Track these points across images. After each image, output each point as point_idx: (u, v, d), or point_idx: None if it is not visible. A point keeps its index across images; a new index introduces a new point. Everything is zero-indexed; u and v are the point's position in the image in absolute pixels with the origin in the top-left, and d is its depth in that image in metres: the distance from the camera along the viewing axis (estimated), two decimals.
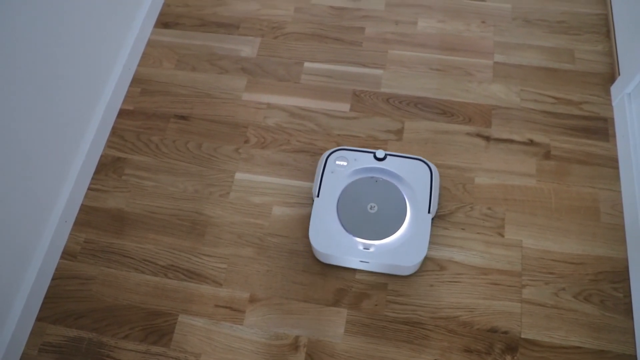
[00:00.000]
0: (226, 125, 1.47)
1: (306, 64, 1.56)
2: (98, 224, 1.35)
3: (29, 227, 1.22)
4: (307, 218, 1.33)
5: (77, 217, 1.36)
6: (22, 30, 1.12)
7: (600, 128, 1.42)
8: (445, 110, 1.46)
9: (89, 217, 1.36)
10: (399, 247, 1.19)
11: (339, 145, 1.42)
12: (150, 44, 1.63)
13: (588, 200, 1.32)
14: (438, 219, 1.31)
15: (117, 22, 1.49)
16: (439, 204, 1.33)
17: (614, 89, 1.46)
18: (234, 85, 1.53)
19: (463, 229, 1.30)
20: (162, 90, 1.54)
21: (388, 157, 1.30)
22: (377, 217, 1.24)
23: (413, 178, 1.27)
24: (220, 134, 1.45)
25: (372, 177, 1.29)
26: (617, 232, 1.28)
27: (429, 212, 1.23)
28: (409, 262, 1.18)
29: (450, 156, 1.39)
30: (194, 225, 1.33)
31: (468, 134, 1.42)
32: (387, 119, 1.46)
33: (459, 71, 1.52)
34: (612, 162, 1.37)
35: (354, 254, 1.19)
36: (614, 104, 1.45)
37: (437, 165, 1.38)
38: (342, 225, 1.23)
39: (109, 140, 1.47)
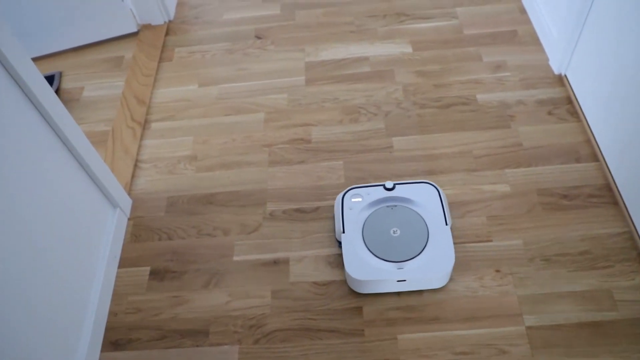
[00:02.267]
0: None
1: None
2: None
3: None
4: None
5: None
6: None
7: None
8: None
9: None
10: (429, 259, 1.35)
11: None
12: None
13: None
14: None
15: None
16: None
17: None
18: None
19: None
20: None
21: (396, 186, 1.49)
22: (402, 239, 1.40)
23: (423, 199, 1.46)
24: None
25: (387, 206, 1.46)
26: None
27: (446, 224, 1.41)
28: (442, 271, 1.33)
29: None
30: None
31: None
32: None
33: (490, 350, 1.27)
34: None
35: (391, 275, 1.33)
36: None
37: None
38: (373, 253, 1.38)
39: None
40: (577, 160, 1.59)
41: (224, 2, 2.24)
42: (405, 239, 1.39)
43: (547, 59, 1.85)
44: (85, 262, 1.39)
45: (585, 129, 1.65)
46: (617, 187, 1.50)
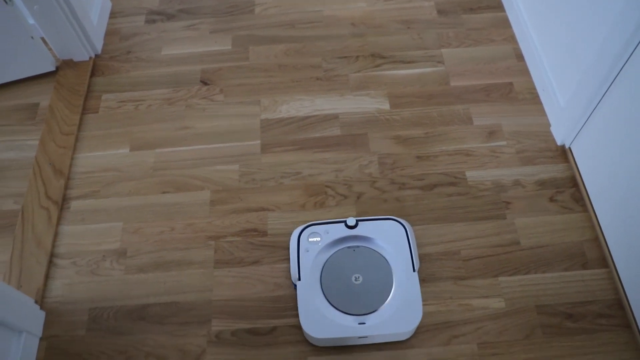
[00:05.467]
0: None
1: None
2: None
3: None
4: None
5: None
6: None
7: None
8: None
9: None
10: (394, 313, 1.23)
11: None
12: None
13: None
14: None
15: None
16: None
17: None
18: None
19: None
20: None
21: (359, 222, 1.35)
22: (365, 287, 1.28)
23: (389, 239, 1.33)
24: None
25: (349, 247, 1.33)
26: None
27: (413, 270, 1.29)
28: (408, 327, 1.23)
29: None
30: None
31: None
32: None
33: None
34: None
35: (350, 331, 1.22)
36: None
37: None
38: (332, 304, 1.26)
39: None
40: (584, 266, 1.37)
41: (164, 32, 1.89)
42: (368, 288, 1.28)
43: (548, 124, 1.60)
44: None
45: (593, 222, 1.42)
46: (629, 304, 1.29)
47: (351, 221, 1.34)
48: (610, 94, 1.31)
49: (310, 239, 1.34)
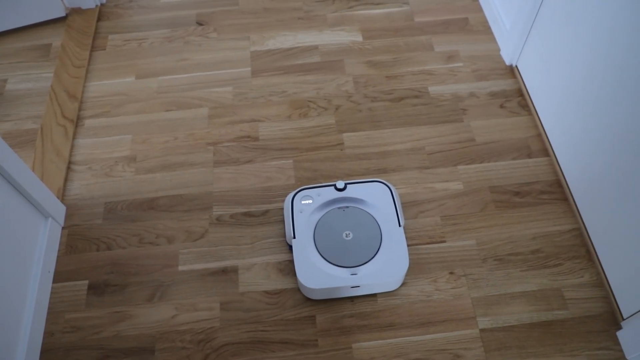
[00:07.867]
0: None
1: None
2: None
3: None
4: None
5: None
6: None
7: None
8: None
9: None
10: (383, 264, 1.34)
11: None
12: None
13: None
14: None
15: None
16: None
17: (622, 336, 1.29)
18: None
19: None
20: None
21: (348, 185, 1.45)
22: (355, 242, 1.37)
23: (376, 198, 1.43)
24: None
25: (339, 208, 1.43)
26: None
27: (399, 225, 1.39)
28: (397, 275, 1.33)
29: None
30: None
31: None
32: None
33: (444, 355, 1.28)
34: None
35: (344, 281, 1.31)
36: (629, 358, 1.27)
37: None
38: (325, 259, 1.35)
39: None
40: (529, 156, 1.60)
41: None
42: (358, 243, 1.37)
43: (499, 49, 1.84)
44: (15, 280, 1.29)
45: (537, 123, 1.66)
46: (566, 182, 1.53)
47: (340, 184, 1.44)
48: (541, 12, 1.56)
49: (303, 202, 1.43)
